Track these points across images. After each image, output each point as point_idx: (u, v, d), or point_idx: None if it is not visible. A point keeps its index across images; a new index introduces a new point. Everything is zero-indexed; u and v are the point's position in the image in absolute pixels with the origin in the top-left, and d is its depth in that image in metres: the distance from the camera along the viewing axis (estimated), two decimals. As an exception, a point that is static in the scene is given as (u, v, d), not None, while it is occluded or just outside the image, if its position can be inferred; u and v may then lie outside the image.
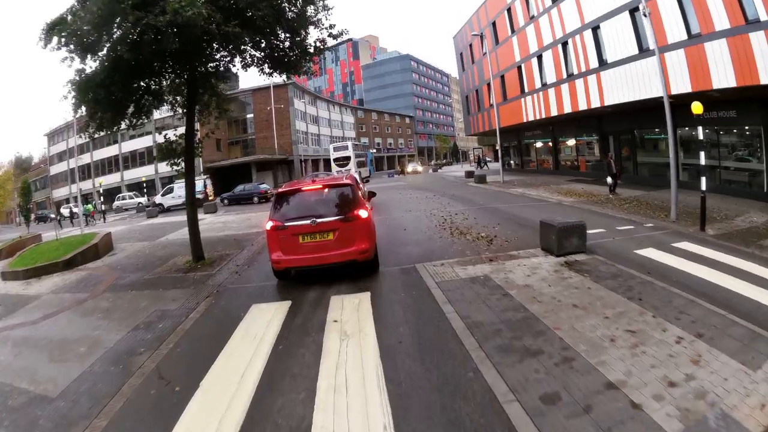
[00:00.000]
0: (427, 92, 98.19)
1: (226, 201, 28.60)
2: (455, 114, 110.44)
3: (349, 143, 40.08)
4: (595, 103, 18.01)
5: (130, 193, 40.37)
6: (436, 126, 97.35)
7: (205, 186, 28.57)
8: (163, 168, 41.44)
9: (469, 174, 29.44)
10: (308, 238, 6.45)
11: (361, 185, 17.54)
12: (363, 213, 6.66)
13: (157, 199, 29.88)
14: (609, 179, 14.83)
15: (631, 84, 15.67)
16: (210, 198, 28.38)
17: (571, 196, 15.50)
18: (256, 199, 27.12)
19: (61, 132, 50.03)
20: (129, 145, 44.59)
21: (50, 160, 52.45)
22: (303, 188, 7.00)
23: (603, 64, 17.44)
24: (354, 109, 70.95)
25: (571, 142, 25.05)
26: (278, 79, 10.22)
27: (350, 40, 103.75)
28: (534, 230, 8.89)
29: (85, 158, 47.53)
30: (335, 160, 36.82)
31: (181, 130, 9.09)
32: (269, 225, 6.65)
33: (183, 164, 8.91)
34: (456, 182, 27.34)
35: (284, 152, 45.05)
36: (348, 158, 36.58)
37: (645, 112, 17.04)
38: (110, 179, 45.26)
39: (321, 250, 6.44)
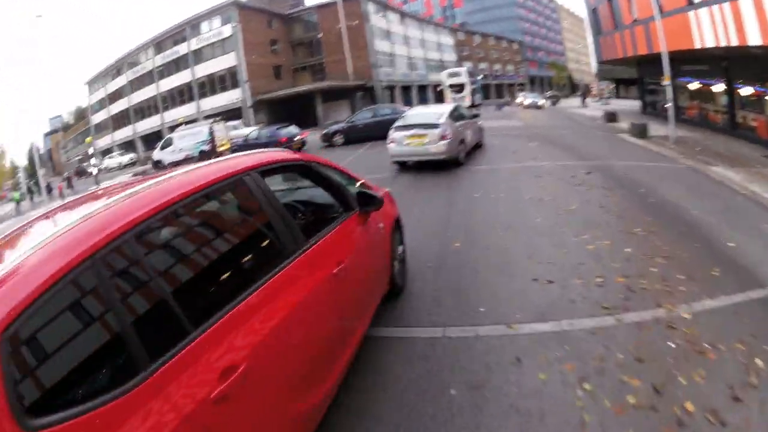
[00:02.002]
0: (535, 17, 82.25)
1: None
2: (566, 44, 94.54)
3: (463, 69, 37.77)
4: None
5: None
6: (547, 54, 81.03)
7: (211, 134, 18.35)
8: (207, 104, 32.38)
9: (610, 117, 18.43)
10: None
11: (471, 135, 10.63)
12: None
13: (155, 154, 20.80)
14: None
15: None
16: (221, 152, 17.35)
17: None
18: None
19: (99, 79, 44.61)
20: (167, 83, 36.19)
21: (91, 109, 47.19)
22: None
23: None
24: (453, 30, 57.05)
25: (748, 90, 9.90)
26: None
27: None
28: None
29: (122, 103, 40.98)
30: (450, 86, 35.16)
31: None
32: None
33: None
34: (597, 129, 16.70)
35: (361, 77, 33.82)
36: (462, 85, 34.73)
37: None
38: (149, 123, 38.21)
39: None
